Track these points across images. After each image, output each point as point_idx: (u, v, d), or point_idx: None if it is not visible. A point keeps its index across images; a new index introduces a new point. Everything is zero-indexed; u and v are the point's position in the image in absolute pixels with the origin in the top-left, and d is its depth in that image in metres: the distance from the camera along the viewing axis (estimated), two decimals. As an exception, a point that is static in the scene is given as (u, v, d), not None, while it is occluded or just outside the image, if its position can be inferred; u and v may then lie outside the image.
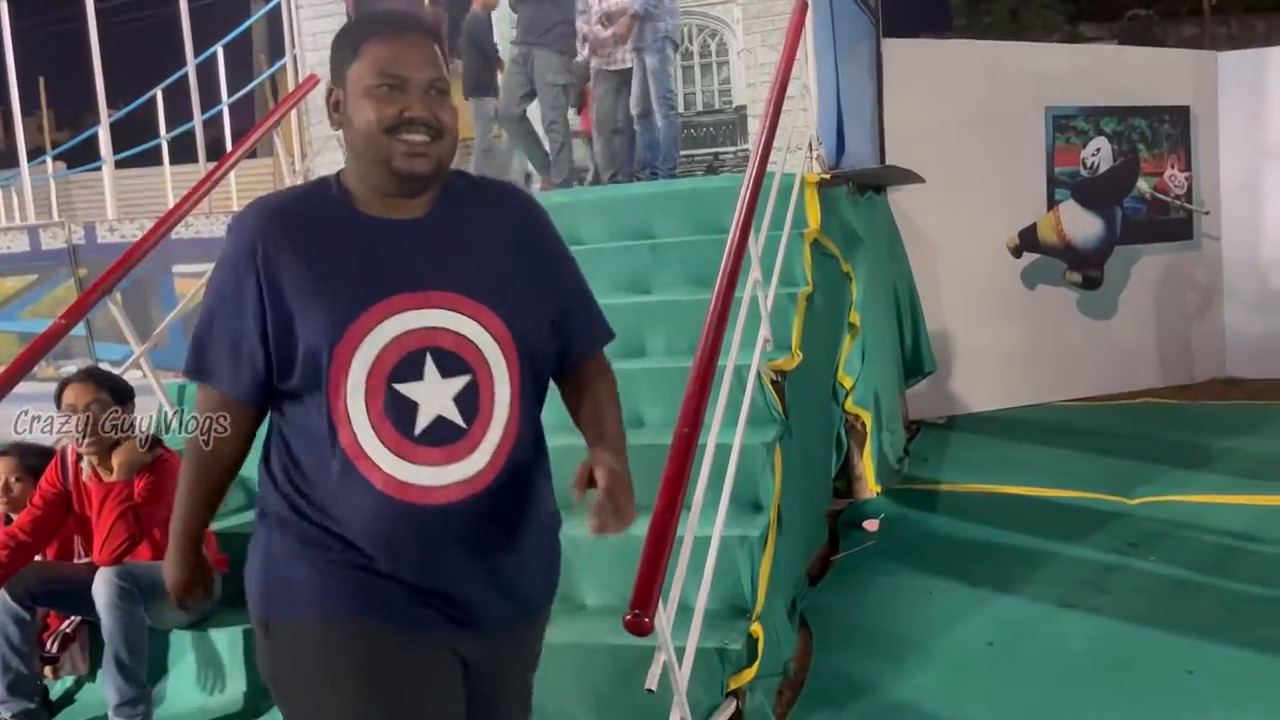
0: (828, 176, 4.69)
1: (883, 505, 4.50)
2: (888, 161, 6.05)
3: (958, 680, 3.04)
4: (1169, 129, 7.26)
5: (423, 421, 1.49)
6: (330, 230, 1.52)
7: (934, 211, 6.22)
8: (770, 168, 3.86)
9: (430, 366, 1.49)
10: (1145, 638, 3.21)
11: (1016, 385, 6.68)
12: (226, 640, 3.25)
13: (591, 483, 1.52)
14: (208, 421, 1.57)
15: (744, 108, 6.99)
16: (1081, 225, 7.02)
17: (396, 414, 1.49)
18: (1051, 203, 6.91)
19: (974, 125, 6.44)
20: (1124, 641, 3.20)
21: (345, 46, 1.54)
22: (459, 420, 1.51)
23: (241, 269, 1.50)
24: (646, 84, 5.77)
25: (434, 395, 1.50)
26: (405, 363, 1.48)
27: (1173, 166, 7.30)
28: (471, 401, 1.52)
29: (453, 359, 1.51)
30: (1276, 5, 12.77)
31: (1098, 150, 7.03)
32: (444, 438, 1.50)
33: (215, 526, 3.36)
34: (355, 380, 1.47)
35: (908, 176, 5.73)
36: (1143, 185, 7.20)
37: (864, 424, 4.61)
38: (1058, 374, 6.84)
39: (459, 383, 1.51)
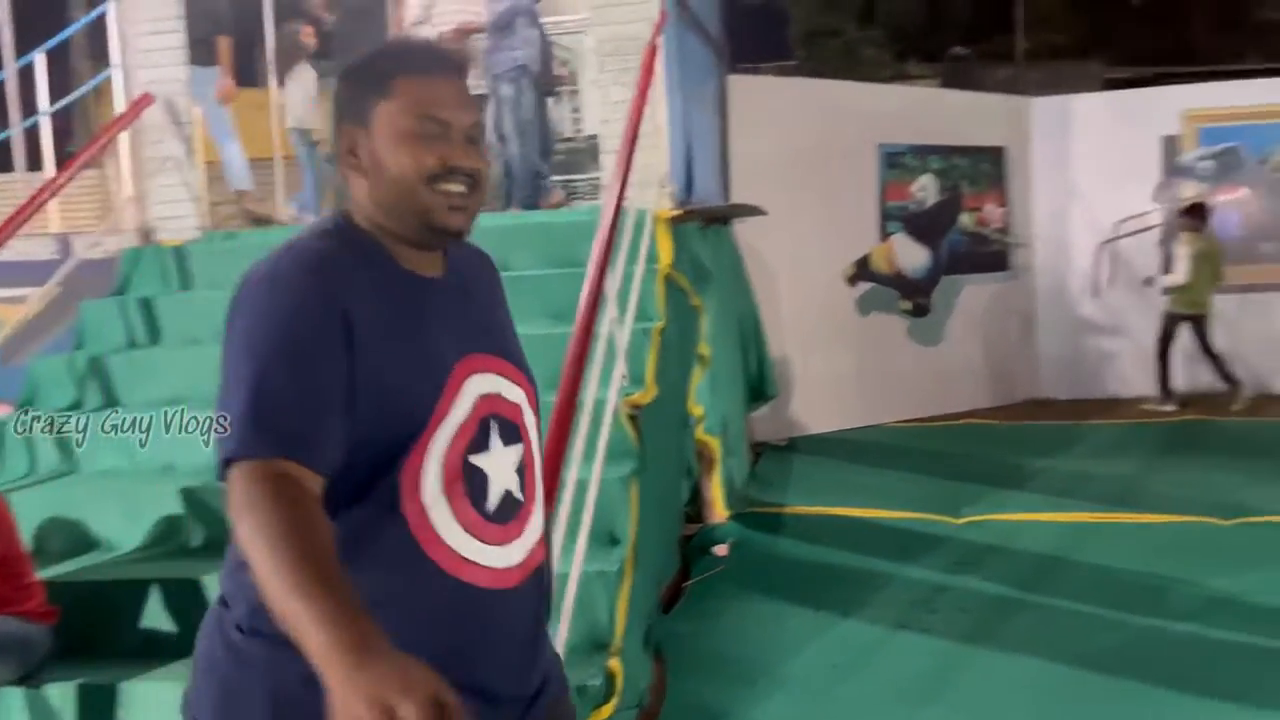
0: (679, 213, 4.84)
1: (732, 530, 4.67)
2: (732, 194, 6.30)
3: (807, 704, 3.21)
4: (987, 168, 7.82)
5: (493, 497, 1.34)
6: (392, 287, 1.33)
7: (776, 242, 6.49)
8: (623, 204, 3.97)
9: (494, 435, 1.35)
10: (970, 656, 3.46)
11: (852, 408, 7.04)
12: (59, 696, 3.09)
13: None
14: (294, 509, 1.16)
15: (595, 137, 7.11)
16: (911, 256, 7.47)
17: (470, 488, 1.32)
18: (884, 235, 7.34)
19: (812, 160, 6.77)
20: (952, 660, 3.44)
21: (369, 81, 1.34)
22: (519, 494, 1.38)
23: (322, 324, 1.24)
24: (501, 112, 5.79)
25: (500, 467, 1.36)
26: (479, 431, 1.33)
27: (991, 203, 7.85)
28: (523, 472, 1.39)
29: (509, 426, 1.38)
30: (1082, 53, 13.96)
31: (925, 186, 7.50)
32: (509, 513, 1.36)
33: (44, 575, 3.20)
34: (435, 453, 1.29)
35: (751, 211, 5.97)
36: (965, 219, 7.71)
37: (713, 451, 4.78)
38: (890, 396, 7.25)
39: (517, 452, 1.39)
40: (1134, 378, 7.69)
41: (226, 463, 1.20)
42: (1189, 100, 7.84)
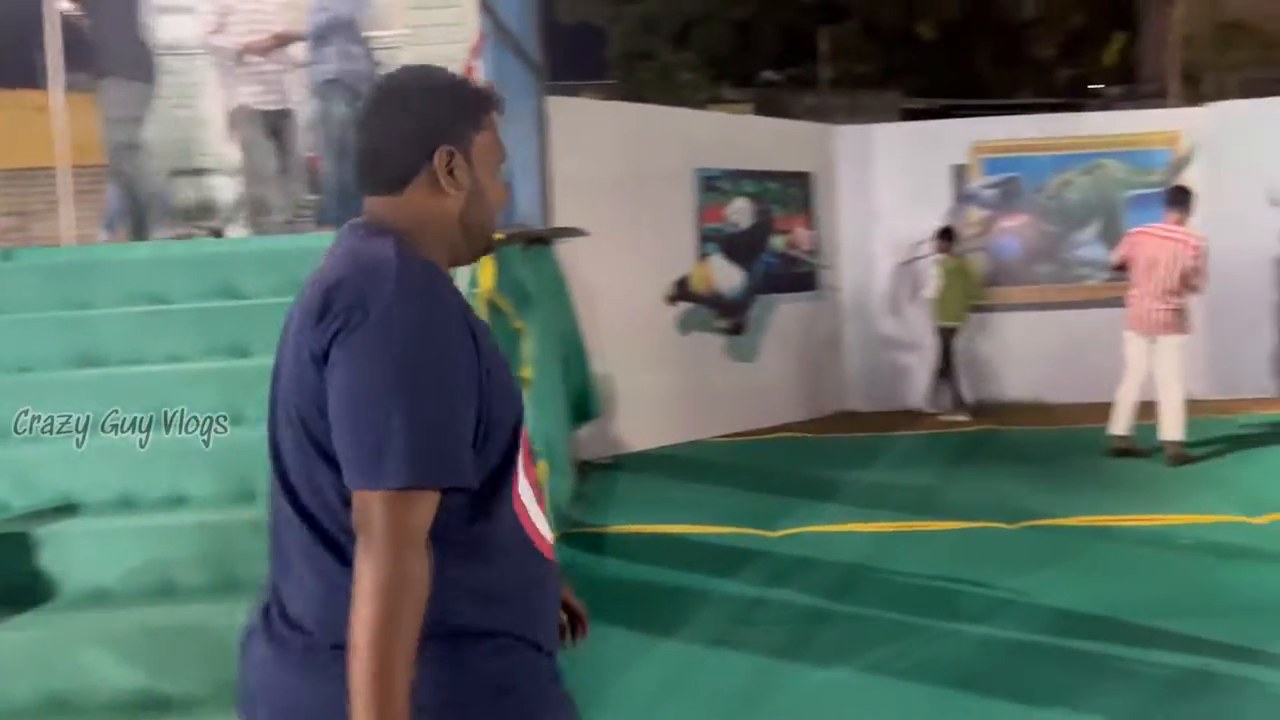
0: (500, 236, 4.83)
1: (558, 551, 4.68)
2: (554, 216, 6.34)
3: (633, 725, 3.26)
4: (796, 192, 8.18)
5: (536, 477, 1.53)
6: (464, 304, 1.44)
7: (597, 263, 6.57)
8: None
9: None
10: (786, 670, 3.61)
11: (673, 424, 7.21)
12: None
13: None
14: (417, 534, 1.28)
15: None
16: (727, 277, 7.73)
17: (529, 471, 1.49)
18: (701, 256, 7.55)
19: (633, 182, 6.91)
20: (769, 675, 3.57)
21: (467, 110, 1.45)
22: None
23: (460, 334, 1.34)
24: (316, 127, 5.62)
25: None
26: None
27: (800, 225, 8.22)
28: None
29: None
30: (881, 83, 14.91)
31: (739, 209, 7.77)
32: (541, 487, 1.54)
33: None
34: (521, 441, 1.45)
35: (573, 232, 6.03)
36: (776, 241, 8.05)
37: (540, 473, 4.78)
38: (709, 413, 7.46)
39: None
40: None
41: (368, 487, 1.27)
42: (976, 132, 8.47)
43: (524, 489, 1.44)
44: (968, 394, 7.99)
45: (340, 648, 1.26)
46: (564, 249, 6.45)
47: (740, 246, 7.76)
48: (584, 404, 6.30)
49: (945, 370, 8.01)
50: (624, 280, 6.89)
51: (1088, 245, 8.36)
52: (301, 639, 1.36)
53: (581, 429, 6.33)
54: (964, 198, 8.39)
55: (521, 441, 1.44)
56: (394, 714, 1.22)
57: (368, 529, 1.25)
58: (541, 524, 1.47)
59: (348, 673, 1.23)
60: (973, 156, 8.37)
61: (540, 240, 5.79)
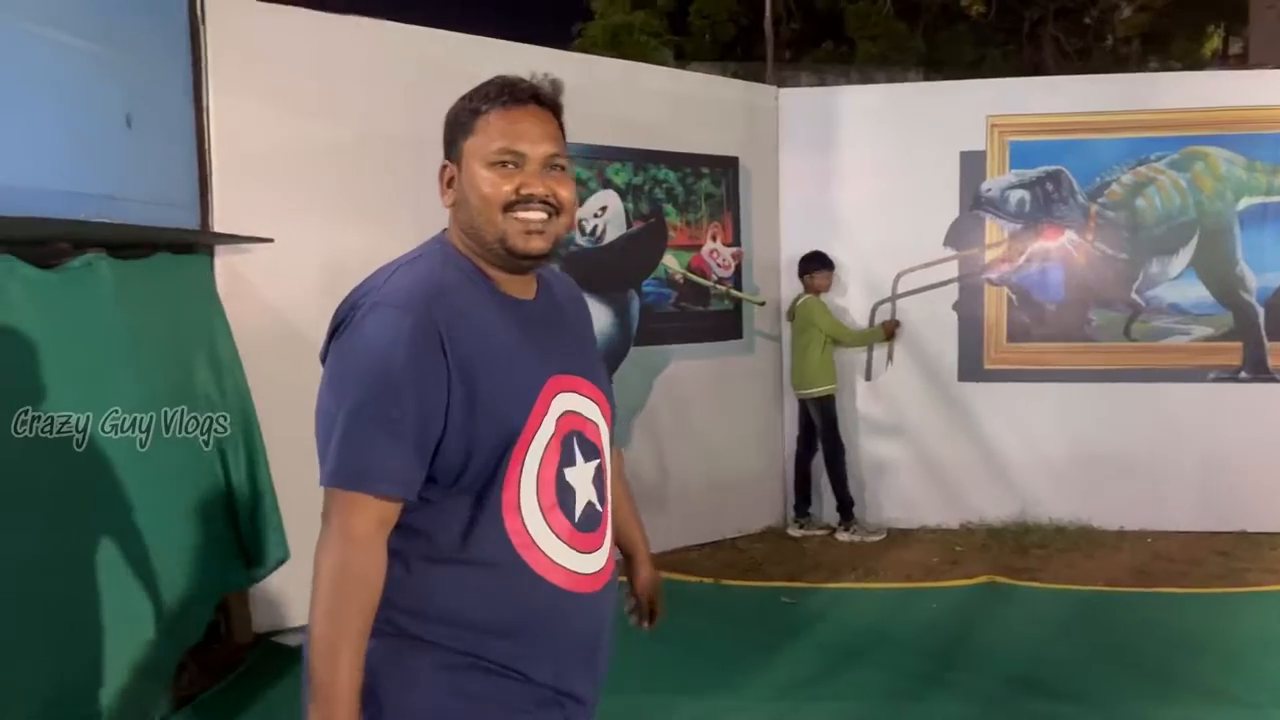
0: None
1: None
2: (215, 196, 3.52)
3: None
4: (710, 186, 5.26)
5: (579, 507, 1.48)
6: (486, 309, 1.44)
7: (310, 286, 3.77)
8: None
9: (577, 450, 1.48)
10: None
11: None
12: None
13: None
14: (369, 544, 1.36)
15: None
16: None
17: (563, 499, 1.46)
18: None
19: (367, 151, 4.07)
20: None
21: (461, 119, 1.47)
22: (599, 504, 1.51)
23: (422, 347, 1.35)
24: None
25: (582, 479, 1.48)
26: (565, 446, 1.46)
27: (716, 238, 5.30)
28: (601, 485, 1.52)
29: (587, 443, 1.50)
30: (839, 56, 12.31)
31: (601, 209, 4.89)
32: (592, 523, 1.49)
33: None
34: (530, 465, 1.42)
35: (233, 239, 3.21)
36: (673, 262, 5.14)
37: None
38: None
39: (594, 466, 1.51)
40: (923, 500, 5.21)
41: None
42: (995, 101, 5.44)
43: (531, 511, 1.42)
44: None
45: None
46: (233, 259, 3.70)
47: (604, 269, 4.88)
48: (253, 538, 3.54)
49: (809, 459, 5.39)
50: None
51: (1175, 282, 5.32)
52: None
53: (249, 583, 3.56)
54: (977, 203, 5.40)
55: (538, 461, 1.42)
56: (337, 697, 1.31)
57: (324, 519, 1.36)
58: (561, 550, 1.44)
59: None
60: (993, 138, 5.37)
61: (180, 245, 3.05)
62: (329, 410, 1.36)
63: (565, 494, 1.45)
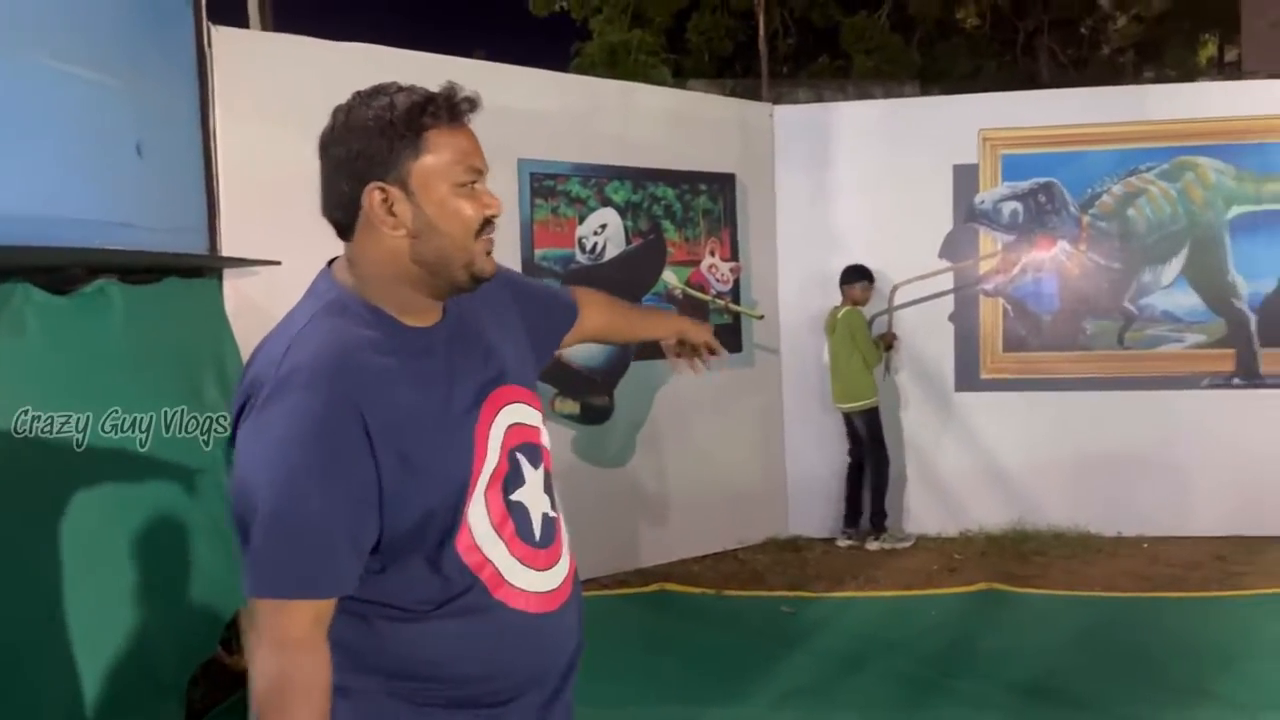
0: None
1: None
2: (222, 221, 3.61)
3: None
4: (708, 203, 5.35)
5: (536, 525, 1.40)
6: (400, 356, 1.31)
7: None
8: None
9: (525, 463, 1.40)
10: None
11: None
12: None
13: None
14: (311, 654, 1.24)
15: None
16: (582, 332, 4.91)
17: (520, 524, 1.38)
18: (532, 300, 4.75)
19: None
20: None
21: (397, 136, 1.29)
22: (552, 511, 1.45)
23: (337, 429, 1.22)
24: None
25: (534, 493, 1.41)
26: (510, 468, 1.38)
27: (715, 253, 5.38)
28: (550, 488, 1.46)
29: (532, 449, 1.43)
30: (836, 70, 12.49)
31: (602, 226, 4.97)
32: (549, 535, 1.43)
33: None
34: (477, 499, 1.33)
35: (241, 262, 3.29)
36: (671, 277, 5.22)
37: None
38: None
39: (542, 471, 1.44)
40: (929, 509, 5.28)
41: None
42: (987, 114, 5.53)
43: (493, 545, 1.34)
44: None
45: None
46: (240, 281, 3.79)
47: (604, 286, 4.93)
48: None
49: (860, 473, 5.42)
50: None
51: (1168, 290, 5.39)
52: None
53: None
54: (971, 215, 5.48)
55: (486, 491, 1.33)
56: None
57: (254, 629, 1.25)
58: (529, 577, 1.37)
59: None
60: (985, 151, 5.46)
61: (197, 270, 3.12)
62: (243, 514, 1.23)
63: (521, 517, 1.38)
